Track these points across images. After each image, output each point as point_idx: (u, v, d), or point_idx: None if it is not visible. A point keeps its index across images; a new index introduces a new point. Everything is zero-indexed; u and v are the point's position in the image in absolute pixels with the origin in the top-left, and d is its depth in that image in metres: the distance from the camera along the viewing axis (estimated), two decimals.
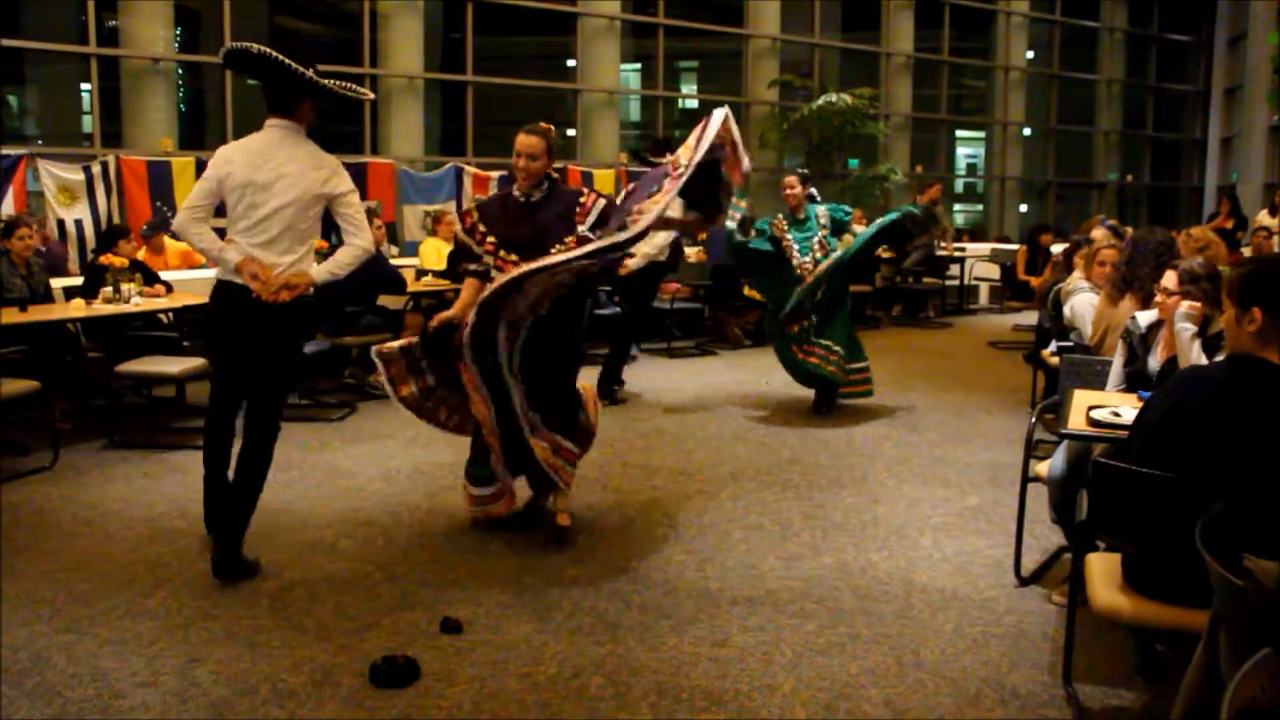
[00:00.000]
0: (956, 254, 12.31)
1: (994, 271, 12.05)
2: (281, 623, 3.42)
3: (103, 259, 6.41)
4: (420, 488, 4.91)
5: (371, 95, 4.41)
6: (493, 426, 4.12)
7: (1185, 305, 3.47)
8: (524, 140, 4.11)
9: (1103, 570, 2.78)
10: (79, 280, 6.78)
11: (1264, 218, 10.72)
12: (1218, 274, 3.58)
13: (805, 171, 7.76)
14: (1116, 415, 3.16)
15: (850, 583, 3.82)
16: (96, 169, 9.58)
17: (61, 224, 9.16)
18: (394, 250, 9.38)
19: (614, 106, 14.10)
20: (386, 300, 7.31)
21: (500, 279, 3.88)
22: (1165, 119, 19.87)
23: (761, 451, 5.71)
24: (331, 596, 3.63)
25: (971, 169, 21.22)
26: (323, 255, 3.89)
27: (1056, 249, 9.09)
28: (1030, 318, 9.46)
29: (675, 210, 4.38)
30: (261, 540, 4.21)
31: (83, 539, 4.24)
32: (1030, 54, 17.84)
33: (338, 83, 3.87)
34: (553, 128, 4.26)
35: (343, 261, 3.82)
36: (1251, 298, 2.47)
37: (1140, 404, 3.00)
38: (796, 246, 6.50)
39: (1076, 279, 5.61)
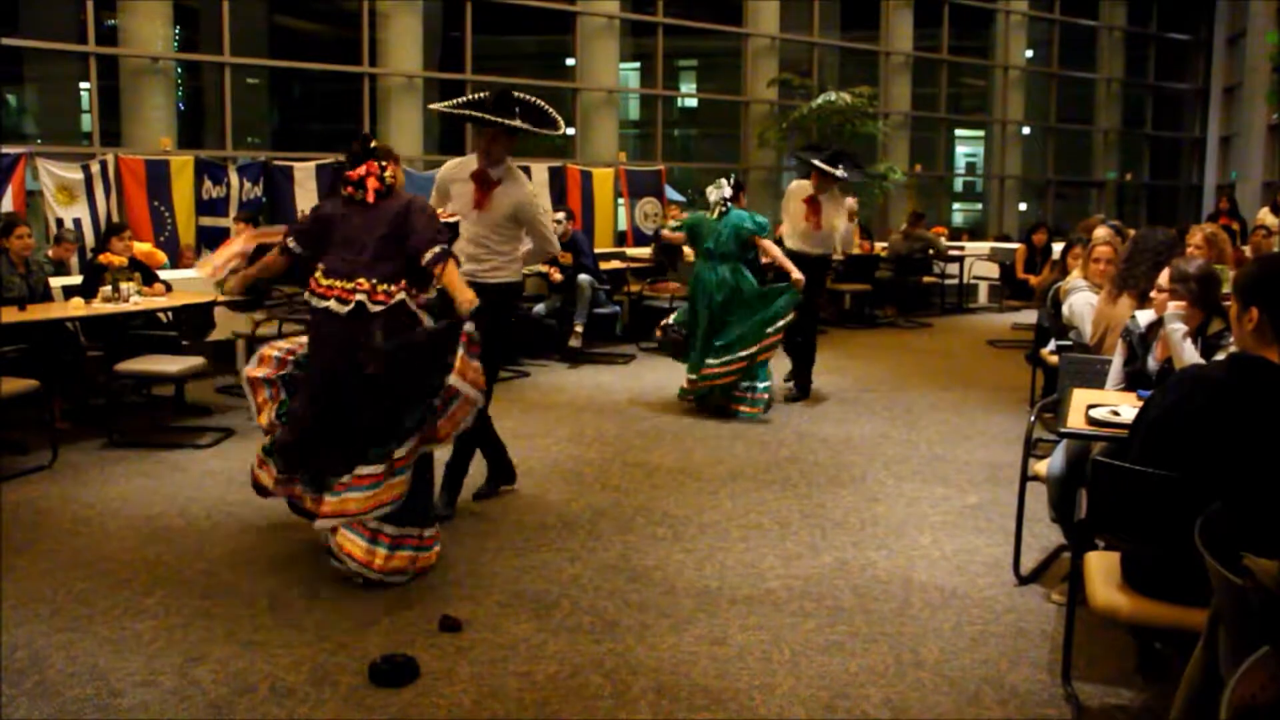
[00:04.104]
0: (955, 252, 12.31)
1: (993, 270, 12.06)
2: (281, 622, 3.42)
3: (102, 258, 6.40)
4: None
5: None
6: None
7: (1172, 305, 3.46)
8: None
9: (1102, 569, 2.78)
10: (78, 279, 6.78)
11: (1265, 216, 10.71)
12: (1207, 275, 3.57)
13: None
14: (1115, 414, 3.16)
15: (849, 581, 3.82)
16: (95, 168, 9.55)
17: (60, 223, 9.14)
18: None
19: (613, 105, 14.08)
20: None
21: None
22: (1164, 118, 19.86)
23: (760, 450, 5.71)
24: (331, 596, 3.63)
25: (971, 168, 21.23)
26: None
27: (1056, 247, 9.08)
28: (1029, 316, 9.45)
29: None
30: (262, 540, 4.21)
31: (82, 538, 4.24)
32: (1029, 53, 17.83)
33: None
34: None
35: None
36: (1250, 296, 2.48)
37: (1140, 403, 3.00)
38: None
39: (1075, 278, 5.60)
